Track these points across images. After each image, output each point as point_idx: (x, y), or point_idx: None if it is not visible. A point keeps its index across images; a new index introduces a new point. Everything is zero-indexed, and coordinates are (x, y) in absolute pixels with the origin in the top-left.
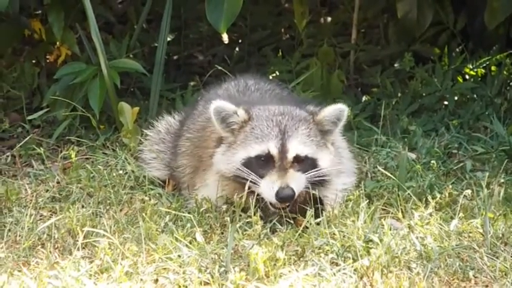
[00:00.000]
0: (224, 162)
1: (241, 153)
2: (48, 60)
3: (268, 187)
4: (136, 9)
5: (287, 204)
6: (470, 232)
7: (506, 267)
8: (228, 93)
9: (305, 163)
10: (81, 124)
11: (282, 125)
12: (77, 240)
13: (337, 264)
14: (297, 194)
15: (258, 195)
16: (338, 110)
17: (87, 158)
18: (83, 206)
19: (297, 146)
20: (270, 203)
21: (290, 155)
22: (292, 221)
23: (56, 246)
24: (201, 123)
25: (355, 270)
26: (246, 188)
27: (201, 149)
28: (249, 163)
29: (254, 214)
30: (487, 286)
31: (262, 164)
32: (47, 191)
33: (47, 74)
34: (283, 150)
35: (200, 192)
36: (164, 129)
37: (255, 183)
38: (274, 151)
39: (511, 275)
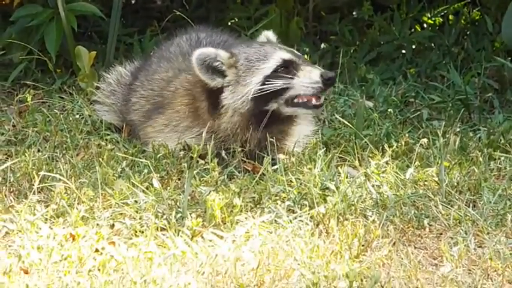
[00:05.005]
0: (238, 96)
1: (255, 78)
2: (3, 2)
3: (306, 78)
4: None
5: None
6: (425, 181)
7: (460, 216)
8: (180, 49)
9: None
10: (37, 67)
11: (267, 43)
12: (33, 184)
13: (293, 212)
14: None
15: (218, 139)
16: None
17: (43, 102)
18: (39, 150)
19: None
20: (311, 97)
21: (300, 54)
22: (249, 168)
23: (12, 190)
24: (158, 83)
25: (311, 217)
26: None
27: (166, 108)
28: (268, 81)
29: (211, 161)
30: (441, 234)
31: (283, 72)
32: (2, 134)
33: (2, 16)
34: (293, 53)
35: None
36: (115, 80)
37: (286, 88)
38: (287, 55)
39: (464, 223)
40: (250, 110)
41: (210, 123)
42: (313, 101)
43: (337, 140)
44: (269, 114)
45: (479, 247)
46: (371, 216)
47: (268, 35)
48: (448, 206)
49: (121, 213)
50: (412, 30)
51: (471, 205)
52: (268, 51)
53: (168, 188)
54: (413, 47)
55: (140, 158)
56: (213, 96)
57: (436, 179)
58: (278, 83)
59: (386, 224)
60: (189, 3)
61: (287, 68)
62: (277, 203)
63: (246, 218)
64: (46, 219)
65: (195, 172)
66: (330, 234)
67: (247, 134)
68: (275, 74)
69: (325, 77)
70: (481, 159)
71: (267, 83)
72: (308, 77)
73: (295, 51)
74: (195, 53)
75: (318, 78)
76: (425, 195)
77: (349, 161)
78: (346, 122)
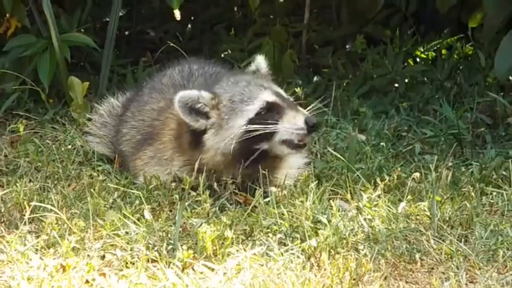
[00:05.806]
0: (221, 139)
1: (238, 121)
2: None
3: (291, 124)
4: None
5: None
6: (417, 215)
7: (452, 250)
8: (172, 81)
9: None
10: (30, 98)
11: (252, 82)
12: (24, 215)
13: (285, 244)
14: None
15: (210, 171)
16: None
17: (35, 132)
18: (30, 180)
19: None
20: (294, 142)
21: (287, 96)
22: (241, 200)
23: (2, 220)
24: (149, 114)
25: (302, 250)
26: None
27: (154, 140)
28: (251, 124)
29: (203, 192)
30: (432, 268)
31: (267, 115)
32: None
33: None
34: (279, 95)
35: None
36: (106, 111)
37: (269, 134)
38: (272, 97)
39: (456, 258)
40: (235, 150)
41: (195, 156)
42: (296, 141)
43: (329, 173)
44: (257, 154)
45: (470, 282)
46: (362, 250)
47: (260, 62)
48: (440, 241)
49: (112, 245)
50: (405, 64)
51: (463, 240)
52: (253, 92)
53: (160, 219)
54: (406, 81)
55: (132, 189)
56: (196, 134)
57: (428, 213)
58: (261, 128)
59: (378, 258)
60: (182, 35)
61: (271, 111)
62: (268, 236)
63: (237, 250)
64: (37, 249)
65: (186, 204)
66: (322, 268)
67: (232, 170)
68: (258, 116)
69: (309, 123)
70: (473, 194)
71: (250, 125)
72: (293, 123)
73: (281, 92)
74: (176, 96)
75: (302, 124)
76: (417, 229)
77: (341, 194)
78: (338, 155)
